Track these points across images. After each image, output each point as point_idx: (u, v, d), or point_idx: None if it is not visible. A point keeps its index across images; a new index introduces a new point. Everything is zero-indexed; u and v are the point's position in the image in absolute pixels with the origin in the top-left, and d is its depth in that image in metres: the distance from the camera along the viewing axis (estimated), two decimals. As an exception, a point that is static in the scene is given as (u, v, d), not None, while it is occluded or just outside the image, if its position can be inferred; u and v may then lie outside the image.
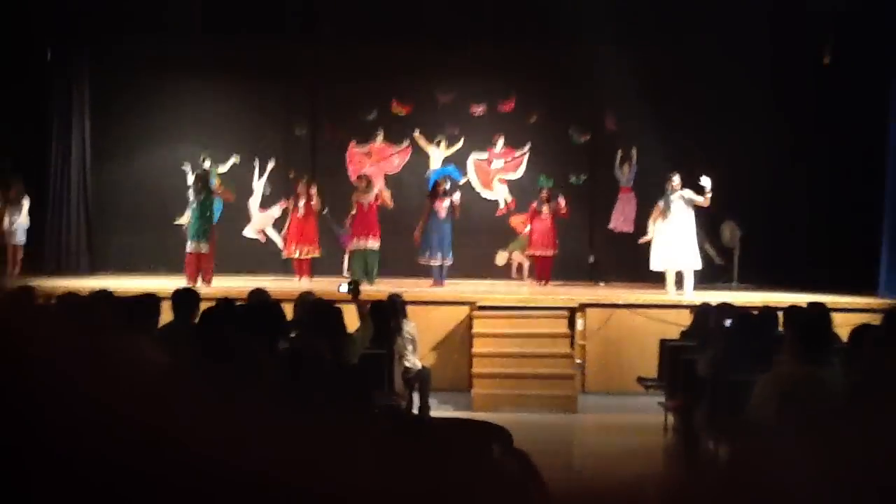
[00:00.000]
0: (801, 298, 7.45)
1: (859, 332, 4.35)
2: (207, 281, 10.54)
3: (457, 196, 11.13)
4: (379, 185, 12.71)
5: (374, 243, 10.95)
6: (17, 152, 12.09)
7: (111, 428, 1.45)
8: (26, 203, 11.69)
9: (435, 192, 10.98)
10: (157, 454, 1.38)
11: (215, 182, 12.84)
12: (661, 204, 10.12)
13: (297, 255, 11.82)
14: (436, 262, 10.87)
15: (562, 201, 11.77)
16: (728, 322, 5.73)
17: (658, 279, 10.78)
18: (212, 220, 10.79)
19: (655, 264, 10.24)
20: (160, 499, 1.31)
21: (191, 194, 10.76)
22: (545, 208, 11.57)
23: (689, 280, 10.02)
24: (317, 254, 11.91)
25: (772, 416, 4.28)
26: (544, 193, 11.67)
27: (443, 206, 10.86)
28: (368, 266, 10.87)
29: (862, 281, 10.05)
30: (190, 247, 10.63)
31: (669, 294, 9.98)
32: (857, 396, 3.88)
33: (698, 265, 10.10)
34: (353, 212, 11.27)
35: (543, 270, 11.68)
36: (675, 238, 9.95)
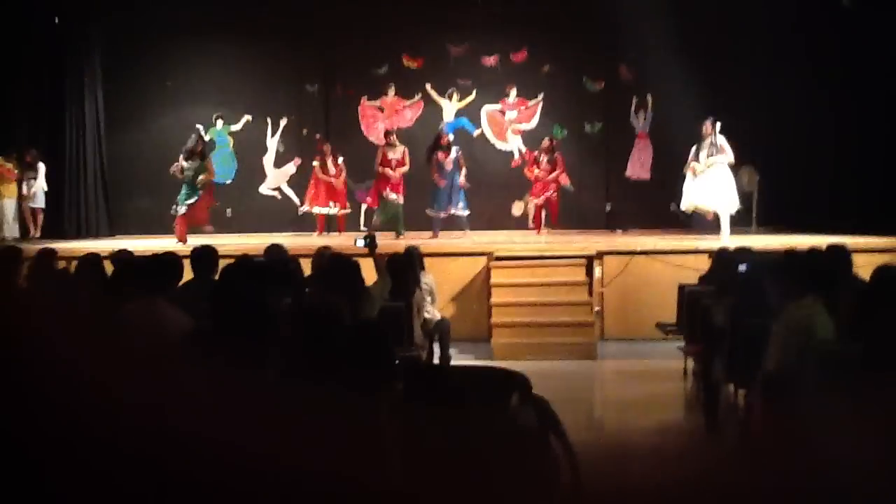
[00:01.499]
0: (822, 241, 7.40)
1: (881, 272, 4.31)
2: (202, 222, 10.69)
3: (457, 149, 11.10)
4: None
5: (401, 197, 11.00)
6: (32, 119, 12.14)
7: (130, 388, 1.47)
8: (42, 168, 11.78)
9: (437, 145, 10.97)
10: (175, 414, 1.40)
11: (229, 140, 12.87)
12: (697, 151, 10.06)
13: (330, 212, 11.81)
14: (441, 215, 10.95)
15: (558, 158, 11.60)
16: (742, 267, 5.70)
17: (675, 225, 10.74)
18: (200, 180, 10.59)
19: (688, 203, 10.21)
20: (180, 459, 1.34)
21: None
22: (544, 158, 11.48)
23: (725, 223, 10.00)
24: (346, 209, 11.92)
25: (786, 361, 4.30)
26: (546, 143, 11.57)
27: (448, 158, 10.87)
28: (398, 221, 10.93)
29: (883, 222, 9.95)
30: (183, 209, 10.57)
31: (724, 238, 9.83)
32: (871, 339, 3.87)
33: (735, 207, 10.08)
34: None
35: (545, 217, 11.65)
36: (711, 181, 9.93)
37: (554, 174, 11.44)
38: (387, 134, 11.50)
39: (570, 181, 11.88)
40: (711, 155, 9.99)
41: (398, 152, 11.16)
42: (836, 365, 3.89)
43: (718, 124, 10.05)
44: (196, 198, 10.56)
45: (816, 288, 4.72)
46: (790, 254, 5.86)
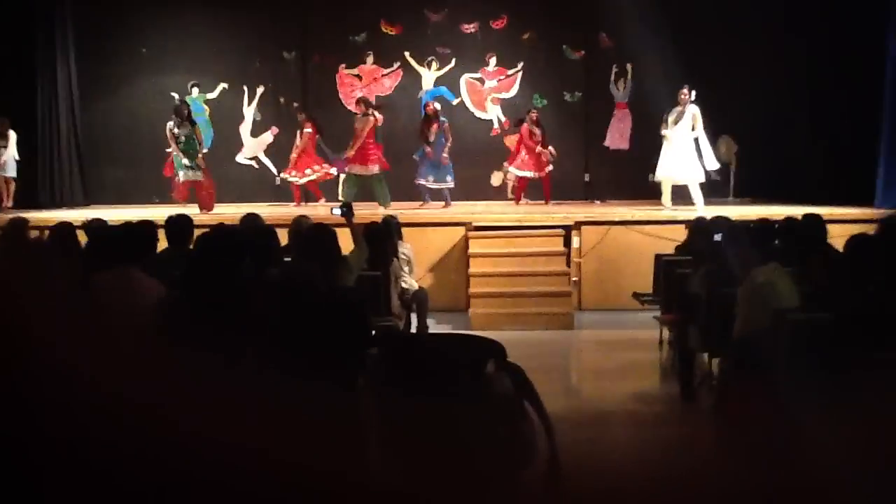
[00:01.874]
0: (798, 211, 7.45)
1: (854, 241, 4.35)
2: (208, 208, 10.61)
3: (443, 119, 11.02)
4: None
5: (374, 168, 10.85)
6: (3, 87, 11.88)
7: (103, 360, 1.45)
8: (13, 136, 11.56)
9: (425, 115, 10.92)
10: (148, 386, 1.39)
11: (205, 108, 12.71)
12: (667, 116, 10.10)
13: (311, 177, 11.69)
14: (424, 182, 10.90)
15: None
16: (718, 236, 5.74)
17: (655, 196, 10.78)
18: (197, 148, 10.68)
19: (659, 174, 10.27)
20: (151, 433, 1.33)
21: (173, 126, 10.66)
22: (538, 131, 11.44)
23: (696, 193, 10.07)
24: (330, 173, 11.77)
25: (751, 328, 4.35)
26: (534, 115, 11.52)
27: (431, 129, 10.81)
28: (381, 192, 10.81)
29: (860, 192, 10.04)
30: (182, 175, 10.70)
31: (665, 206, 10.05)
32: (845, 308, 3.91)
33: (702, 177, 10.14)
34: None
35: (521, 192, 11.66)
36: (678, 151, 9.99)
37: (544, 149, 11.43)
38: (360, 102, 11.32)
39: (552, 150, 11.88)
40: (677, 122, 10.04)
41: (369, 122, 11.02)
42: (802, 333, 3.94)
43: (693, 93, 10.07)
44: (198, 170, 10.53)
45: (789, 256, 4.78)
46: (765, 222, 5.90)
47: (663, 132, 10.17)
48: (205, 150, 11.28)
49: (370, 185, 10.86)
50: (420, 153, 11.05)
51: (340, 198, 11.48)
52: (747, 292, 4.44)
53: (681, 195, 10.51)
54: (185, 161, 10.64)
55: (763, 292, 4.29)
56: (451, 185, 11.00)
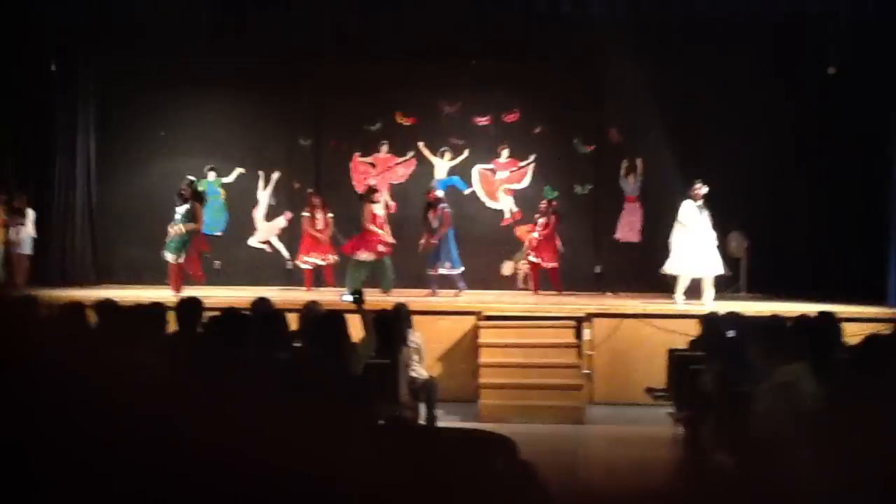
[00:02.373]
0: (811, 308, 7.39)
1: (871, 340, 4.29)
2: (198, 280, 10.60)
3: (443, 206, 11.10)
4: (384, 196, 12.72)
5: (367, 255, 10.88)
6: (22, 164, 12.12)
7: (111, 435, 1.41)
8: (31, 214, 11.72)
9: (426, 202, 11.06)
10: (155, 461, 1.34)
11: (220, 192, 12.88)
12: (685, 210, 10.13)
13: (319, 263, 11.77)
14: (431, 272, 10.94)
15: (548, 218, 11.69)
16: (731, 333, 5.68)
17: (666, 289, 10.74)
18: (190, 233, 10.65)
19: (673, 267, 10.21)
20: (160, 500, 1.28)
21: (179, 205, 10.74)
22: (542, 220, 11.58)
23: (709, 288, 10.03)
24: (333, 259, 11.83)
25: (771, 424, 4.24)
26: (544, 205, 11.66)
27: (434, 216, 10.90)
28: (387, 277, 10.83)
29: (871, 290, 9.99)
30: (169, 257, 10.65)
31: (678, 300, 9.98)
32: (873, 401, 3.83)
33: (719, 271, 10.12)
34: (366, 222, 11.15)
35: (537, 279, 11.68)
36: (696, 245, 9.97)
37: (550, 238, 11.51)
38: (371, 190, 11.48)
39: (559, 242, 11.93)
40: (702, 218, 10.07)
41: (381, 209, 11.16)
42: (823, 430, 3.84)
43: (705, 189, 10.12)
44: (184, 248, 10.54)
45: (806, 354, 4.69)
46: (777, 319, 5.84)
47: (682, 222, 10.14)
48: (218, 234, 11.34)
49: (376, 270, 10.90)
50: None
51: (348, 283, 11.52)
52: (770, 389, 4.32)
53: (692, 289, 10.48)
54: (177, 240, 10.59)
55: (787, 392, 4.18)
56: (457, 270, 10.98)
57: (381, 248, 10.89)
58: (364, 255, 10.85)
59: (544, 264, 11.60)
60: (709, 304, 9.74)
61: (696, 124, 11.88)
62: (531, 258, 11.73)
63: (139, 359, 3.79)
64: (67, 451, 1.24)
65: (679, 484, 6.00)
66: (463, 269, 11.03)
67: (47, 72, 11.90)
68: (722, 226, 10.50)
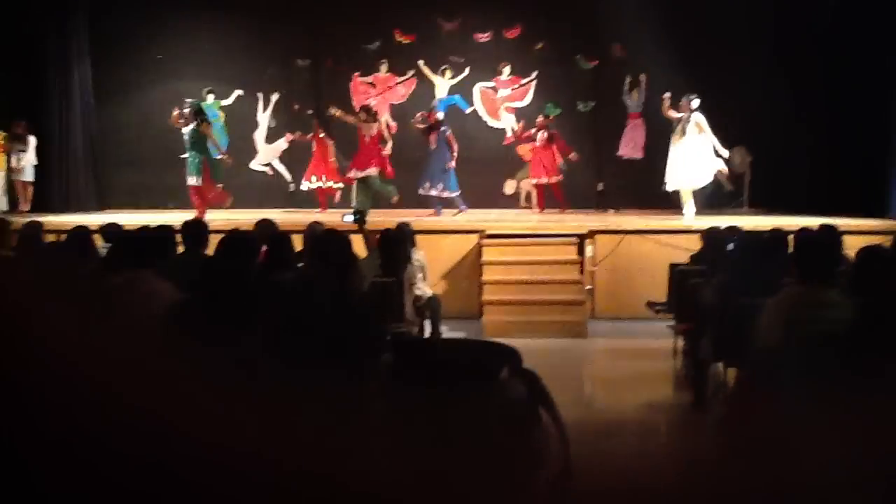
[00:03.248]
0: (813, 221, 7.42)
1: (866, 252, 4.32)
2: (221, 205, 10.68)
3: (444, 129, 11.04)
4: (384, 117, 12.64)
5: (373, 171, 10.92)
6: (18, 91, 12.00)
7: (116, 363, 1.46)
8: (33, 141, 11.68)
9: (429, 126, 10.99)
10: (158, 389, 1.39)
11: (220, 114, 12.78)
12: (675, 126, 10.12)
13: (319, 185, 11.80)
14: (430, 193, 10.93)
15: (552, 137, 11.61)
16: (731, 245, 5.71)
17: (667, 204, 10.75)
18: (204, 151, 10.68)
19: (671, 184, 10.26)
20: (162, 437, 1.33)
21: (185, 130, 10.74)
22: (539, 135, 11.51)
23: (689, 200, 10.12)
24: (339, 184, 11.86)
25: (780, 339, 4.29)
26: (540, 121, 11.58)
27: (434, 137, 10.84)
28: (382, 190, 10.91)
29: (873, 203, 10.00)
30: (189, 180, 10.72)
31: (687, 215, 10.01)
32: (864, 319, 3.88)
33: (706, 182, 10.17)
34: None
35: (542, 198, 11.69)
36: (688, 158, 9.98)
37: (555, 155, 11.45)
38: (361, 108, 11.40)
39: (571, 152, 11.88)
40: (683, 132, 10.07)
41: (374, 128, 11.10)
42: (824, 344, 3.90)
43: (696, 101, 10.07)
44: (199, 171, 10.54)
45: (808, 266, 4.72)
46: (779, 233, 5.87)
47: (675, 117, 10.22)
48: (219, 157, 11.32)
49: (375, 187, 10.95)
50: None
51: (353, 205, 11.54)
52: (777, 306, 4.31)
53: (695, 203, 10.50)
54: (189, 160, 10.65)
55: (793, 306, 4.19)
56: (455, 193, 11.01)
57: (374, 165, 10.93)
58: (355, 173, 10.92)
59: (544, 180, 11.58)
60: (688, 217, 9.85)
61: (699, 39, 11.68)
62: (536, 181, 11.71)
63: (147, 283, 3.82)
64: (64, 382, 1.28)
65: (679, 394, 6.14)
66: (459, 192, 11.04)
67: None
68: (726, 141, 10.45)
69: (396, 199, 10.69)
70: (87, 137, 12.45)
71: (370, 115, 11.12)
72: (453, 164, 11.00)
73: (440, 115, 11.30)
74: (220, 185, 11.20)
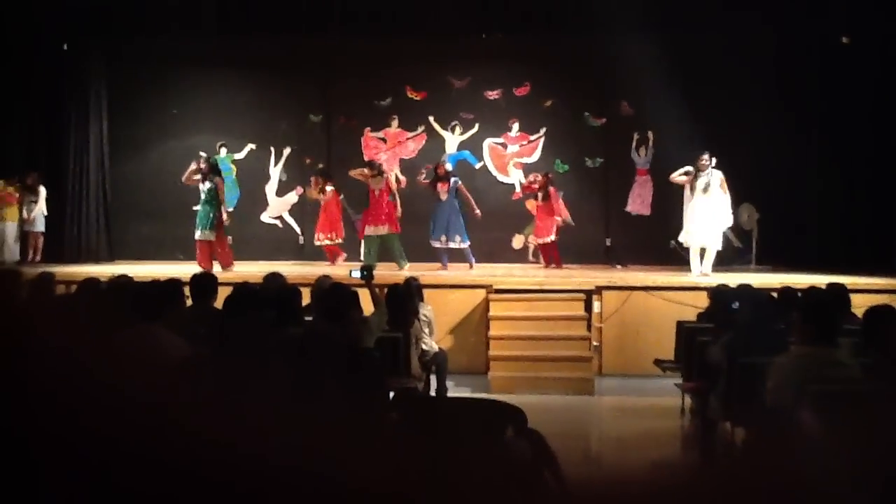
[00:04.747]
0: (820, 280, 7.41)
1: (874, 312, 4.32)
2: (225, 266, 10.60)
3: (454, 179, 11.11)
4: (394, 171, 12.77)
5: (383, 229, 10.95)
6: (35, 143, 12.21)
7: (126, 414, 1.47)
8: (43, 192, 11.83)
9: (436, 175, 11.06)
10: (170, 441, 1.41)
11: (232, 168, 12.94)
12: (693, 182, 10.12)
13: (327, 242, 11.87)
14: (439, 245, 10.94)
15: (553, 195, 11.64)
16: (735, 305, 5.71)
17: (674, 261, 10.76)
18: (217, 206, 10.73)
19: (686, 238, 10.26)
20: (175, 485, 1.34)
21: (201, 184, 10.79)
22: (539, 195, 11.59)
23: (709, 259, 10.08)
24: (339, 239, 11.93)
25: (789, 400, 4.25)
26: (540, 178, 11.64)
27: (444, 188, 10.91)
28: (398, 254, 10.90)
29: (881, 262, 9.99)
30: (197, 234, 10.70)
31: (693, 272, 10.02)
32: (874, 377, 3.88)
33: (719, 245, 10.18)
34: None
35: (546, 256, 11.71)
36: (706, 216, 10.00)
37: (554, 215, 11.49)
38: (367, 164, 11.50)
39: (569, 215, 11.93)
40: (706, 190, 10.07)
41: (381, 182, 11.17)
42: (836, 402, 3.87)
43: (714, 160, 10.15)
44: (213, 225, 10.57)
45: (817, 326, 4.70)
46: (788, 291, 5.87)
47: (687, 178, 10.20)
48: (230, 209, 11.44)
49: (391, 244, 10.97)
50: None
51: (362, 259, 11.60)
52: (787, 365, 4.28)
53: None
54: (201, 215, 10.66)
55: (803, 365, 4.16)
56: (466, 244, 11.03)
57: (385, 222, 10.95)
58: (369, 230, 10.94)
59: (540, 239, 11.60)
60: (694, 273, 9.87)
61: (706, 97, 11.81)
62: (540, 241, 11.74)
63: (156, 336, 3.84)
64: (74, 434, 1.29)
65: (687, 454, 6.08)
66: (469, 243, 11.07)
67: (59, 51, 11.95)
68: (733, 198, 10.50)
69: (405, 269, 10.58)
70: (100, 189, 12.60)
71: (374, 168, 11.21)
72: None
73: (448, 167, 11.36)
74: (229, 239, 11.24)
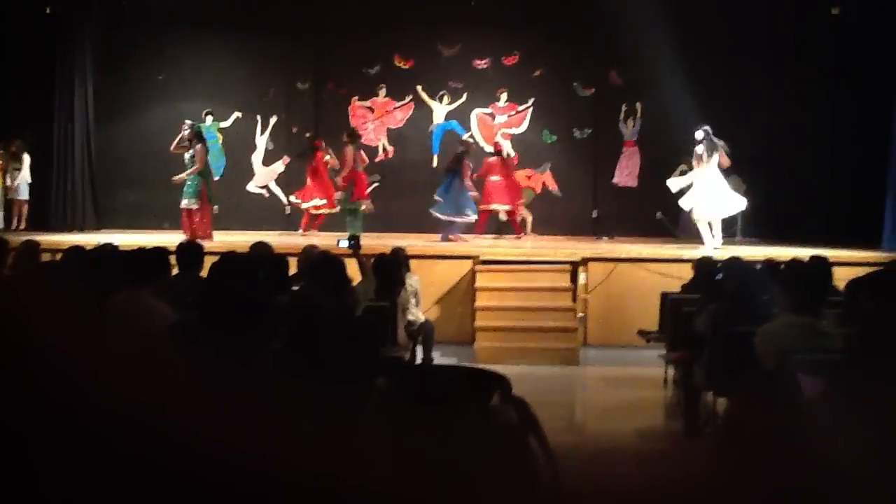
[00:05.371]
0: (804, 252, 7.47)
1: (854, 285, 4.37)
2: (202, 236, 10.51)
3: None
4: (381, 140, 12.74)
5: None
6: (19, 110, 12.06)
7: (113, 380, 1.48)
8: (27, 159, 11.72)
9: (467, 153, 11.21)
10: (158, 408, 1.41)
11: (218, 136, 12.85)
12: (699, 152, 10.14)
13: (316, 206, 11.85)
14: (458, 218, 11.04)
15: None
16: (719, 276, 5.76)
17: (661, 233, 10.81)
18: (204, 175, 10.67)
19: (700, 213, 10.27)
20: (162, 451, 1.35)
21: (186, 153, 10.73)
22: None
23: (718, 230, 10.18)
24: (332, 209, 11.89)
25: (773, 367, 4.31)
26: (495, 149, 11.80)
27: (468, 164, 11.10)
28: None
29: (866, 235, 10.07)
30: (182, 203, 10.65)
31: (707, 245, 10.03)
32: (854, 348, 3.93)
33: (725, 214, 10.28)
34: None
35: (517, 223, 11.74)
36: (713, 188, 10.03)
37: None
38: (356, 135, 11.49)
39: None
40: (710, 158, 10.15)
41: (347, 153, 11.23)
42: (818, 372, 3.93)
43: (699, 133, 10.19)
44: (197, 194, 10.50)
45: (800, 297, 4.76)
46: (771, 263, 5.92)
47: (696, 167, 10.21)
48: (216, 178, 11.36)
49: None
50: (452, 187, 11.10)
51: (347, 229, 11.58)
52: (769, 335, 4.33)
53: (689, 233, 10.54)
54: (186, 184, 10.59)
55: (786, 335, 4.22)
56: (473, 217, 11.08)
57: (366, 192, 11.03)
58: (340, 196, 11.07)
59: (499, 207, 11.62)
60: (717, 244, 9.95)
61: (696, 69, 11.80)
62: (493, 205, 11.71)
63: (143, 303, 3.84)
64: (63, 401, 1.30)
65: (670, 423, 6.15)
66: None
67: (42, 14, 11.77)
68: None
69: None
70: (86, 157, 12.49)
71: (350, 136, 11.22)
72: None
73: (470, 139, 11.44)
74: (215, 208, 11.17)
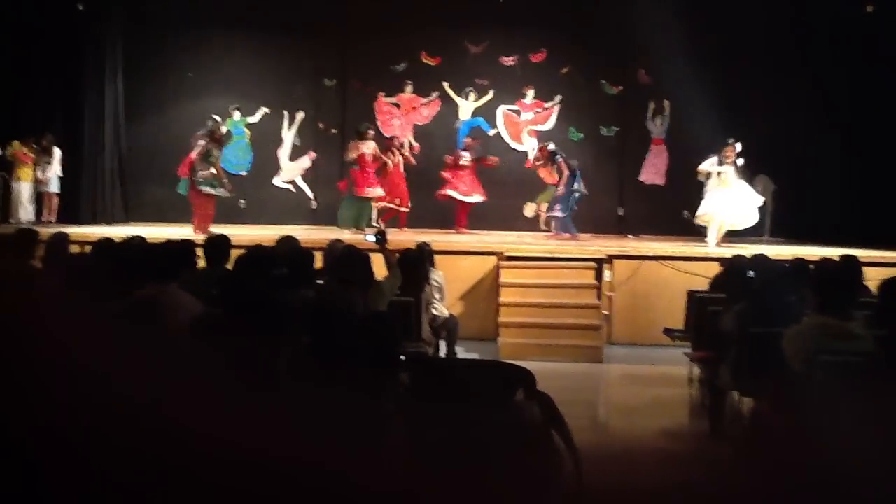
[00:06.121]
0: (834, 252, 7.38)
1: (888, 285, 4.30)
2: (197, 229, 10.50)
3: (559, 157, 11.37)
4: (407, 137, 12.74)
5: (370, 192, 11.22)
6: (51, 105, 12.23)
7: (139, 371, 1.50)
8: (58, 153, 11.87)
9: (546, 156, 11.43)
10: (182, 399, 1.43)
11: (245, 131, 12.93)
12: (715, 164, 10.09)
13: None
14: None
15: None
16: (751, 274, 5.69)
17: (687, 232, 10.72)
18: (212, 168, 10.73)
19: (717, 215, 10.19)
20: (186, 442, 1.36)
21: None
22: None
23: (721, 234, 10.10)
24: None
25: (801, 369, 4.26)
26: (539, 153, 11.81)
27: (553, 167, 11.31)
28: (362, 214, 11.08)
29: (890, 235, 9.93)
30: (210, 189, 10.73)
31: (710, 244, 9.99)
32: (885, 350, 3.87)
33: (737, 226, 10.25)
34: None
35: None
36: (737, 197, 10.08)
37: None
38: (364, 128, 11.49)
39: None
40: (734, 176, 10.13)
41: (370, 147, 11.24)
42: (847, 373, 3.87)
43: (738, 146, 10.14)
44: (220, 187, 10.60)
45: (829, 297, 4.69)
46: (801, 263, 5.85)
47: (718, 170, 10.15)
48: (243, 173, 11.42)
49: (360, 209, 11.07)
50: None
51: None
52: (799, 336, 4.27)
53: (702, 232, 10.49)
54: (212, 175, 10.66)
55: (815, 336, 4.15)
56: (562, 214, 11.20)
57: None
58: (369, 192, 11.04)
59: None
60: (711, 245, 9.92)
61: (725, 67, 11.70)
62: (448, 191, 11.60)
63: (170, 296, 3.87)
64: (88, 390, 1.31)
65: (695, 422, 6.10)
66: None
67: (75, 11, 11.91)
68: (749, 168, 10.44)
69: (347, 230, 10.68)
70: (116, 152, 12.64)
71: (358, 134, 11.24)
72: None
73: (551, 146, 11.50)
74: (242, 202, 11.21)
